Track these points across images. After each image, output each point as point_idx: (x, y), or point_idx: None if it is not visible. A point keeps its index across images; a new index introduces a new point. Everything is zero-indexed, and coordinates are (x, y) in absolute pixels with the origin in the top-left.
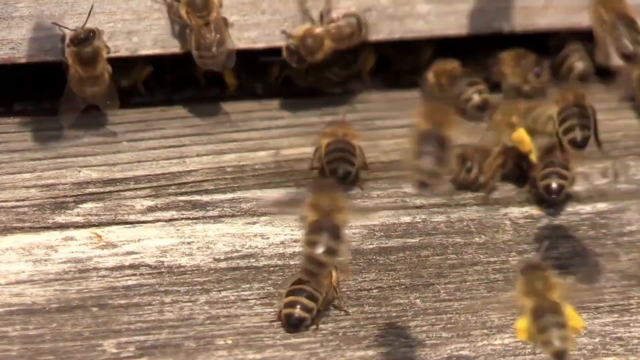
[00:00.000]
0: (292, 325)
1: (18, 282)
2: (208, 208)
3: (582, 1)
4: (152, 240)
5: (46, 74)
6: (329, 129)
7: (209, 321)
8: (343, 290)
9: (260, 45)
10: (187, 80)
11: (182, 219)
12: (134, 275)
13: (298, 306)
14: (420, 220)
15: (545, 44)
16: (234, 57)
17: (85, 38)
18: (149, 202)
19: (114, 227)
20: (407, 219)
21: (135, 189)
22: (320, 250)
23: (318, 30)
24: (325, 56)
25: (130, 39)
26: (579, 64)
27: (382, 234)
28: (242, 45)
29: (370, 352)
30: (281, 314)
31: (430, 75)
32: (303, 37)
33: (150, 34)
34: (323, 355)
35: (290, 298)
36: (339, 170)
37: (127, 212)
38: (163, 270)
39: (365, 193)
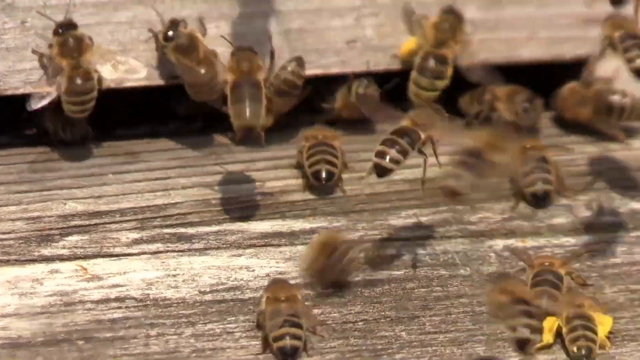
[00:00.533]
0: (289, 355)
1: (3, 316)
2: (193, 240)
3: (565, 32)
4: (137, 272)
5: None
6: (309, 133)
7: (194, 354)
8: (328, 322)
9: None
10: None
11: (168, 251)
12: (120, 308)
13: (288, 337)
14: (405, 252)
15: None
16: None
17: (69, 25)
18: (134, 235)
19: (99, 260)
20: (392, 251)
21: (121, 221)
22: None
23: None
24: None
25: None
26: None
27: (367, 266)
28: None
29: None
30: (273, 349)
31: None
32: None
33: None
34: None
35: (280, 331)
36: (322, 172)
37: (112, 245)
38: (149, 302)
39: (350, 225)
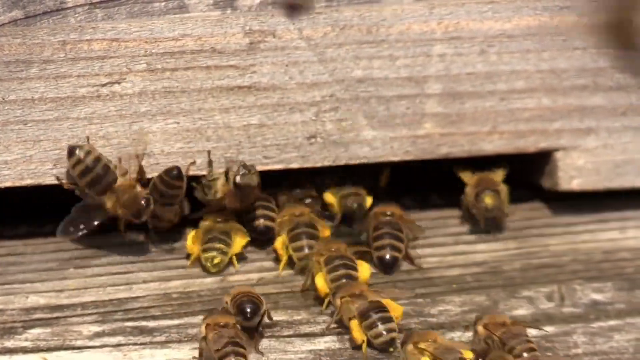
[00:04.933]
0: None
1: None
2: (155, 333)
3: (527, 126)
4: None
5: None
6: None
7: None
8: None
9: (205, 172)
10: None
11: (129, 344)
12: None
13: None
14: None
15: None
16: None
17: None
18: (96, 328)
19: (62, 352)
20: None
21: (83, 314)
22: None
23: None
24: None
25: None
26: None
27: (328, 358)
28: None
29: None
30: None
31: None
32: None
33: None
34: None
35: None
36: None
37: (74, 338)
38: None
39: (311, 318)
